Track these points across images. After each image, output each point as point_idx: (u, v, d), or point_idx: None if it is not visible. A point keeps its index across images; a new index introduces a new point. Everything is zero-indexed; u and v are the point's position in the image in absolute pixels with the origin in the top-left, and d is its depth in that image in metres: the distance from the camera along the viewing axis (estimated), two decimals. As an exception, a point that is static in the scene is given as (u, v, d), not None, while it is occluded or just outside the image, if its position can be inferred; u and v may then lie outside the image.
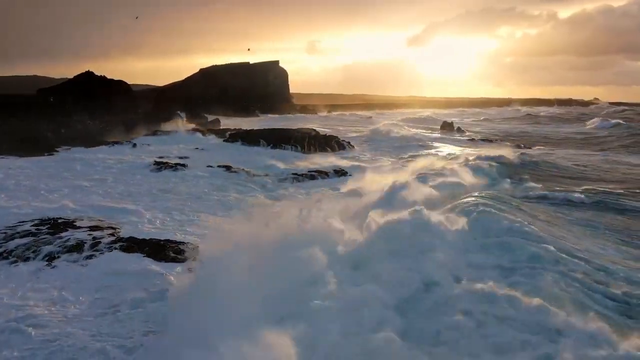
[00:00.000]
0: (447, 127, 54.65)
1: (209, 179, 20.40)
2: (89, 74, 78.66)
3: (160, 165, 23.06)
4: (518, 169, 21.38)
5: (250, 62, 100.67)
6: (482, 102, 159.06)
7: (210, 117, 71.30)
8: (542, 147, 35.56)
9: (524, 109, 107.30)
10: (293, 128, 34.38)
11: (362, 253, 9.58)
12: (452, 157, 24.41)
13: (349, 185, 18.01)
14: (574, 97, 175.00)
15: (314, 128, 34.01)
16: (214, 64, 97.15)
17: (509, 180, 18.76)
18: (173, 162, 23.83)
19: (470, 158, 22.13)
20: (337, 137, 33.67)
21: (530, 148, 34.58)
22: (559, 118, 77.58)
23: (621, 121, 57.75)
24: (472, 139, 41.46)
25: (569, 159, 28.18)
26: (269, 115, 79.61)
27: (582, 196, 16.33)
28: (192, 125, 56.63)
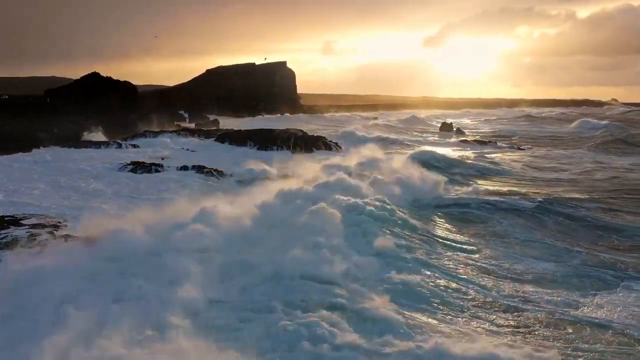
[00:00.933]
0: (446, 128, 54.17)
1: (173, 179, 20.23)
2: (94, 75, 79.53)
3: (135, 166, 22.96)
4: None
5: (256, 63, 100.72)
6: (495, 102, 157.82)
7: (213, 118, 71.60)
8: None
9: (529, 110, 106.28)
10: (281, 129, 34.16)
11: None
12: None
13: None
14: (591, 98, 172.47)
15: (301, 129, 33.76)
16: (220, 65, 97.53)
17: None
18: (149, 162, 23.73)
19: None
20: (324, 137, 33.36)
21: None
22: (554, 119, 77.33)
23: (616, 122, 55.68)
24: (465, 140, 40.91)
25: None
26: (267, 116, 79.48)
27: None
28: (191, 126, 57.07)
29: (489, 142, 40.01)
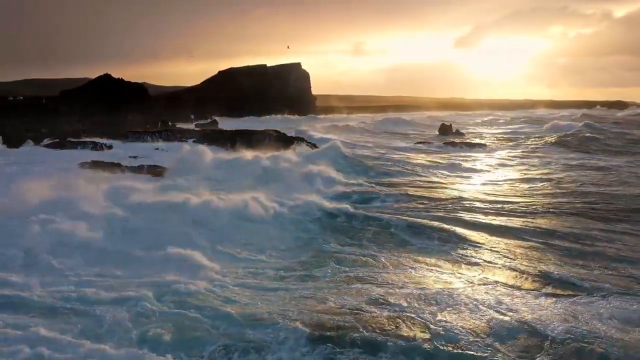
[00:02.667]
0: (444, 129, 53.28)
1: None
2: (106, 76, 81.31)
3: (92, 165, 23.32)
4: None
5: (267, 65, 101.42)
6: (514, 104, 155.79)
7: (219, 119, 72.22)
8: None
9: (539, 112, 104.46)
10: (260, 129, 34.25)
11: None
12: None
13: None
14: (625, 100, 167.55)
15: (277, 129, 33.90)
16: (232, 66, 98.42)
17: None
18: (107, 162, 24.06)
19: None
20: (302, 138, 33.28)
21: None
22: (541, 120, 76.16)
23: (593, 124, 52.95)
24: (452, 142, 40.12)
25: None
26: (271, 116, 79.69)
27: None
28: (190, 126, 57.63)
29: (477, 144, 39.27)
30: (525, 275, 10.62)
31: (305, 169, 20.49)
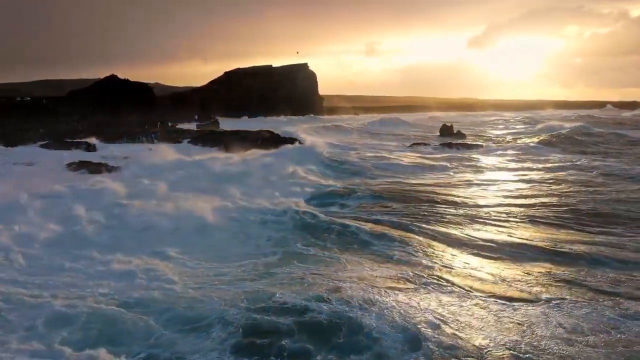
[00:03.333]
0: (446, 130, 52.89)
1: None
2: (112, 77, 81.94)
3: (80, 165, 23.49)
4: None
5: (273, 65, 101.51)
6: (539, 104, 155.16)
7: (224, 119, 72.39)
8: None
9: (544, 112, 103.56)
10: (255, 130, 34.31)
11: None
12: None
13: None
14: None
15: (270, 130, 33.88)
16: (238, 67, 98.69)
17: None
18: (96, 162, 24.28)
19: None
20: (296, 139, 33.23)
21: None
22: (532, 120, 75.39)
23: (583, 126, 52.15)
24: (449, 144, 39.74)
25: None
26: (273, 117, 79.83)
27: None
28: (192, 127, 57.78)
29: (474, 145, 38.91)
30: (480, 281, 10.37)
31: (279, 169, 20.33)
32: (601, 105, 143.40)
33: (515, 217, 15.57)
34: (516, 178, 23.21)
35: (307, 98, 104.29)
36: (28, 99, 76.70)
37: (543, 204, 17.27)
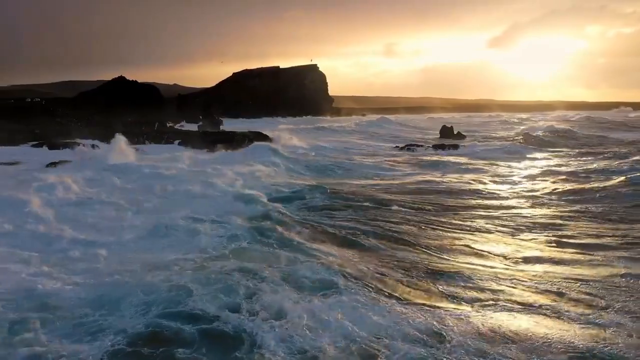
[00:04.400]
0: (446, 132, 52.58)
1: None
2: (121, 79, 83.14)
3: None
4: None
5: (281, 67, 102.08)
6: (558, 105, 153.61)
7: (229, 120, 72.90)
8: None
9: (554, 113, 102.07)
10: (242, 131, 34.58)
11: None
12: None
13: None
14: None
15: (259, 131, 34.07)
16: (246, 68, 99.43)
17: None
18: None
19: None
20: (272, 139, 33.57)
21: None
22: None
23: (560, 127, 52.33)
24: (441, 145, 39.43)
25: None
26: (272, 118, 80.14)
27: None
28: (193, 128, 58.24)
29: (464, 146, 38.69)
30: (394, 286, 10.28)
31: (236, 167, 20.40)
32: (613, 105, 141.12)
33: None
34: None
35: (316, 99, 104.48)
36: (38, 99, 78.30)
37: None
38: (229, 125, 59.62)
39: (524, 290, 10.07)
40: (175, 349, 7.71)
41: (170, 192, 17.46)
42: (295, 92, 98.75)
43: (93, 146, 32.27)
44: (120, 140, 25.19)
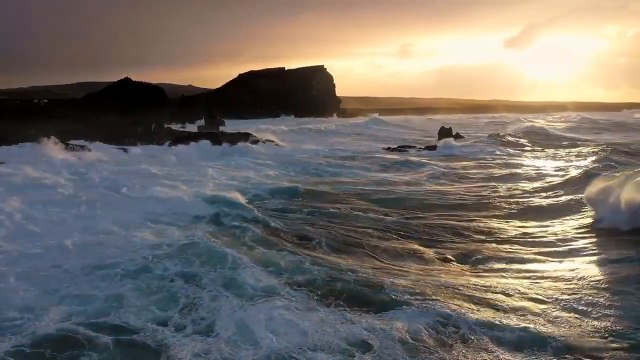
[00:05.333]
0: (444, 133, 51.94)
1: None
2: (126, 80, 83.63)
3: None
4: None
5: (286, 68, 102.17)
6: (571, 105, 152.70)
7: (233, 121, 73.01)
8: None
9: (559, 114, 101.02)
10: (227, 132, 34.69)
11: None
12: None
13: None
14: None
15: (249, 132, 33.99)
16: (251, 70, 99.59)
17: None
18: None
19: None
20: (272, 140, 33.36)
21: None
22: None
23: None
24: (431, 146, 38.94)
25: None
26: (287, 118, 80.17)
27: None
28: (193, 128, 58.33)
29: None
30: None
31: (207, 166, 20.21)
32: (628, 107, 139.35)
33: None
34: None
35: (323, 100, 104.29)
36: (45, 100, 79.04)
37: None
38: (231, 126, 59.67)
39: (474, 291, 9.69)
40: (83, 354, 7.48)
41: (105, 194, 17.30)
42: (301, 93, 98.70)
43: (83, 147, 32.32)
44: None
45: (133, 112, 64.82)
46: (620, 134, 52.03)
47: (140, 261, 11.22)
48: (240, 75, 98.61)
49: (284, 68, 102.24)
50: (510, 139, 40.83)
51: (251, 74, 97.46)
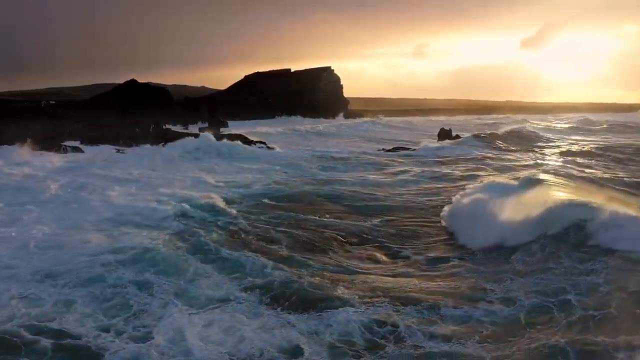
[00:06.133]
0: (444, 134, 51.63)
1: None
2: (132, 82, 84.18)
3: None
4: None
5: (292, 70, 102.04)
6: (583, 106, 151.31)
7: (237, 122, 73.19)
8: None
9: (564, 115, 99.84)
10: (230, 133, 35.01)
11: None
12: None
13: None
14: None
15: (243, 134, 34.16)
16: (257, 71, 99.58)
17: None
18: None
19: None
20: (264, 141, 33.41)
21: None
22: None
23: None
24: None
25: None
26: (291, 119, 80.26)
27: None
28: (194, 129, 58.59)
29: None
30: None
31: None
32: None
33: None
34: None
35: (330, 101, 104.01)
36: (53, 102, 79.84)
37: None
38: (234, 127, 59.82)
39: (419, 293, 9.63)
40: (19, 357, 7.61)
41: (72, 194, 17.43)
42: (308, 95, 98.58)
43: (75, 148, 32.67)
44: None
45: (134, 112, 65.22)
46: (624, 135, 51.30)
47: (97, 268, 11.22)
48: (246, 76, 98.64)
49: (289, 69, 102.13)
50: (490, 139, 41.47)
51: (257, 75, 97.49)
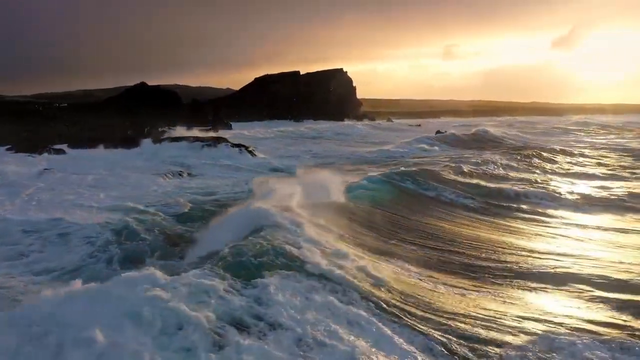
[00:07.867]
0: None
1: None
2: (142, 85, 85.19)
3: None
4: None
5: (301, 72, 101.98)
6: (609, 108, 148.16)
7: (242, 124, 73.34)
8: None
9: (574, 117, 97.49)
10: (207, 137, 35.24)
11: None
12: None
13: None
14: None
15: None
16: (266, 73, 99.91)
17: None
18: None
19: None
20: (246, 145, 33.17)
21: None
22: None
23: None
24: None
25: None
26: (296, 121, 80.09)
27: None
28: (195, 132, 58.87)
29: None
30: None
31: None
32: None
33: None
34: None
35: (342, 103, 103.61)
36: (65, 104, 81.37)
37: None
38: (238, 129, 59.93)
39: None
40: None
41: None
42: (319, 96, 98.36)
43: (59, 150, 32.96)
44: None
45: (144, 115, 65.90)
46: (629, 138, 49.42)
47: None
48: (255, 79, 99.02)
49: (298, 71, 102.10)
50: (451, 139, 41.74)
51: (266, 78, 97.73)
